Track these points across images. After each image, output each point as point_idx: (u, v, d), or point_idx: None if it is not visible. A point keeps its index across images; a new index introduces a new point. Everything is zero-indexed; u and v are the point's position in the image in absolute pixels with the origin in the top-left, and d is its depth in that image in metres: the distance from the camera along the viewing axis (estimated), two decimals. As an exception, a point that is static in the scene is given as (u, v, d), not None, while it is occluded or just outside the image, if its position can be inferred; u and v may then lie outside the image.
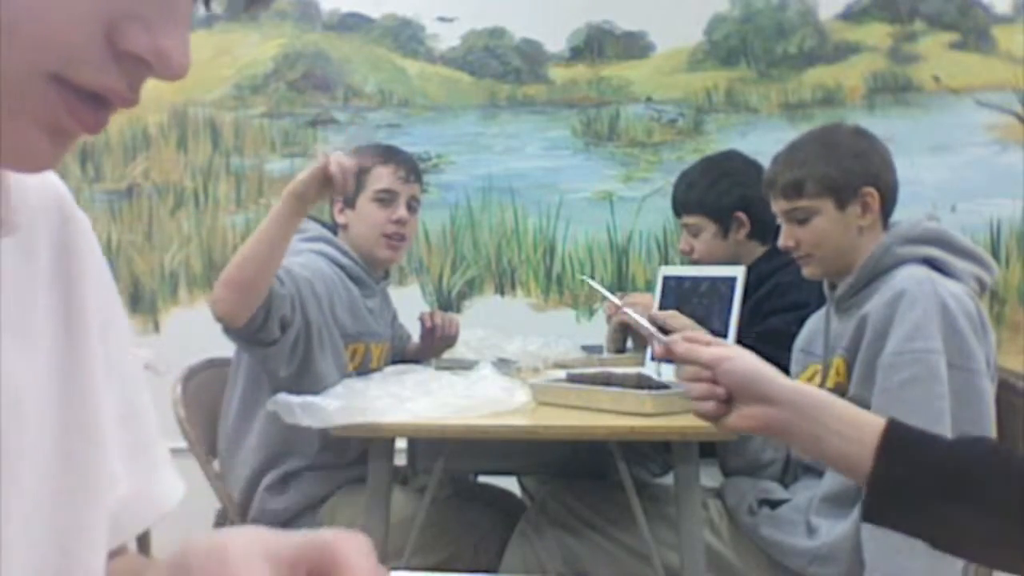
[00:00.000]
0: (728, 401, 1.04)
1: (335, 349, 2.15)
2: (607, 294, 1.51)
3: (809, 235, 1.87)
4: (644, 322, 1.29)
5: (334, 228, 2.30)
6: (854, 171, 1.84)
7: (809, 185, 1.85)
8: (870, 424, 0.97)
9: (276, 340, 1.96)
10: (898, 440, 0.95)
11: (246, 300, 1.88)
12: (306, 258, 2.14)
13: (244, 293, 1.88)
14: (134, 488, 0.63)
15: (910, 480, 0.93)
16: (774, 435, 1.04)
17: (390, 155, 2.28)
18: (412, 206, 2.29)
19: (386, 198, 2.23)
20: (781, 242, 1.93)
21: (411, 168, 2.29)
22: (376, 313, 2.33)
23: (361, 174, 2.15)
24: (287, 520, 2.12)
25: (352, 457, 2.14)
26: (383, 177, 2.24)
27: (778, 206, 1.91)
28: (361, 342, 2.25)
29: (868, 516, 0.97)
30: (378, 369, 2.23)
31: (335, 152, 1.95)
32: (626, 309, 1.39)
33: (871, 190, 1.84)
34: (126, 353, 0.64)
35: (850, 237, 1.85)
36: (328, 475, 2.16)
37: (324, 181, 1.90)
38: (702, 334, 1.11)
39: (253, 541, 0.43)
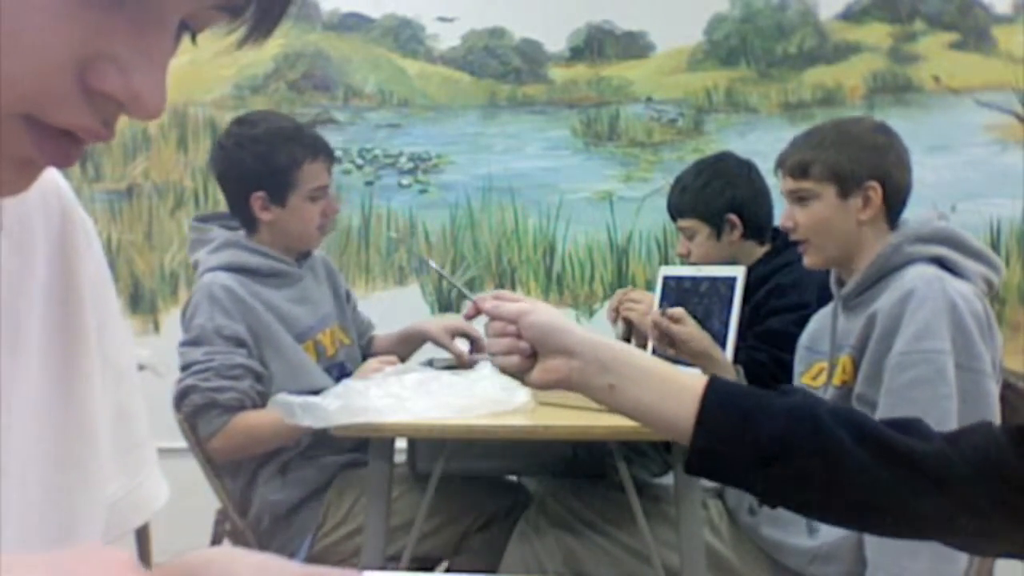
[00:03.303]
0: (533, 357, 1.05)
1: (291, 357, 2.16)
2: (447, 275, 1.47)
3: (807, 218, 1.87)
4: (457, 282, 1.31)
5: (252, 221, 2.21)
6: (862, 163, 1.85)
7: (815, 168, 1.86)
8: (686, 386, 0.98)
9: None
10: (719, 406, 0.96)
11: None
12: (220, 290, 2.10)
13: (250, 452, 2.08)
14: (123, 488, 0.63)
15: (730, 446, 0.95)
16: (574, 389, 1.03)
17: (315, 148, 2.19)
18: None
19: (320, 194, 2.20)
20: (780, 221, 1.96)
21: (329, 152, 2.24)
22: (308, 300, 2.26)
23: (286, 172, 2.14)
24: (289, 511, 2.13)
25: (348, 444, 2.14)
26: (317, 175, 2.18)
27: (784, 185, 1.93)
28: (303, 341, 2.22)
29: (689, 471, 0.98)
30: (338, 356, 2.25)
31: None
32: (434, 266, 1.38)
33: (875, 184, 1.84)
34: (121, 352, 0.64)
35: (848, 228, 1.85)
36: (324, 463, 2.16)
37: None
38: (510, 292, 1.12)
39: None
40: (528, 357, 1.04)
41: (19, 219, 0.55)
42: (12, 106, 0.40)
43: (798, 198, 1.89)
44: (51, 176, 0.59)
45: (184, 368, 2.05)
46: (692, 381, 0.98)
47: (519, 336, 1.04)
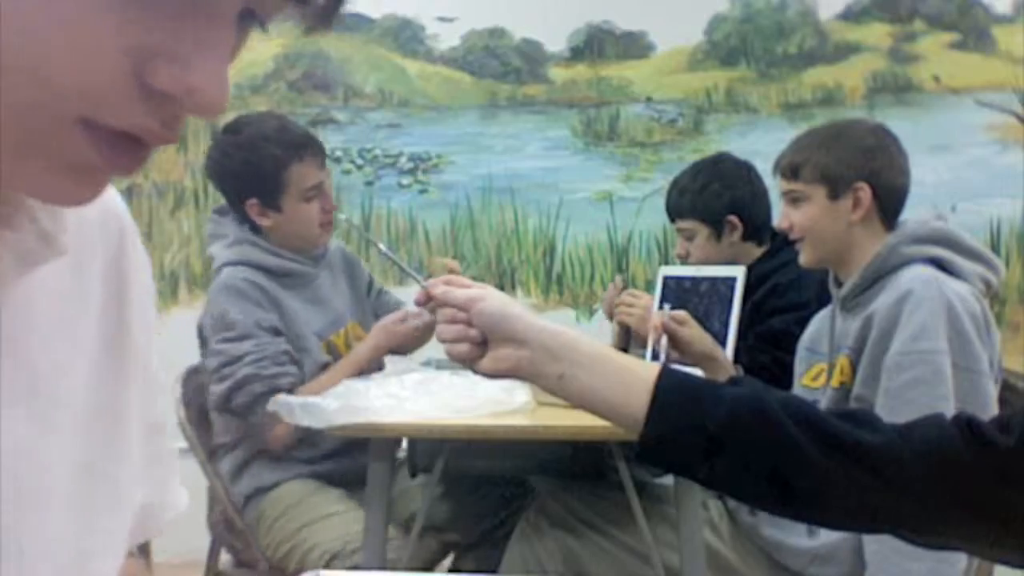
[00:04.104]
0: (484, 344, 1.03)
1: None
2: (395, 258, 1.43)
3: (800, 218, 1.90)
4: (404, 264, 1.29)
5: (256, 227, 2.19)
6: (852, 165, 1.86)
7: (805, 170, 1.88)
8: (638, 374, 0.97)
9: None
10: (670, 395, 0.95)
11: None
12: (245, 284, 2.09)
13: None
14: (148, 497, 0.63)
15: (679, 434, 0.94)
16: (524, 377, 1.02)
17: (300, 147, 2.14)
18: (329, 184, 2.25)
19: (315, 194, 2.16)
20: (776, 221, 1.97)
21: (318, 148, 2.19)
22: (320, 301, 2.25)
23: (273, 176, 2.11)
24: (242, 506, 2.14)
25: (324, 451, 2.14)
26: (307, 175, 2.14)
27: (779, 186, 1.95)
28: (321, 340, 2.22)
29: (640, 459, 0.98)
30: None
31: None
32: (385, 250, 1.36)
33: (863, 185, 1.85)
34: (159, 368, 0.64)
35: (839, 229, 1.87)
36: (281, 464, 2.14)
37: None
38: (461, 278, 1.11)
39: None
40: (478, 345, 1.03)
41: (80, 240, 0.54)
42: (67, 108, 0.39)
43: (792, 199, 1.91)
44: (112, 195, 0.59)
45: (230, 363, 2.04)
46: (644, 369, 0.98)
47: (470, 324, 1.03)
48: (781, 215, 1.95)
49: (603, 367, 0.98)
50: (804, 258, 1.93)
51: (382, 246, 1.38)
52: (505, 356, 1.01)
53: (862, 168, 1.86)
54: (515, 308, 1.04)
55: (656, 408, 0.94)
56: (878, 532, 0.99)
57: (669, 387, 0.95)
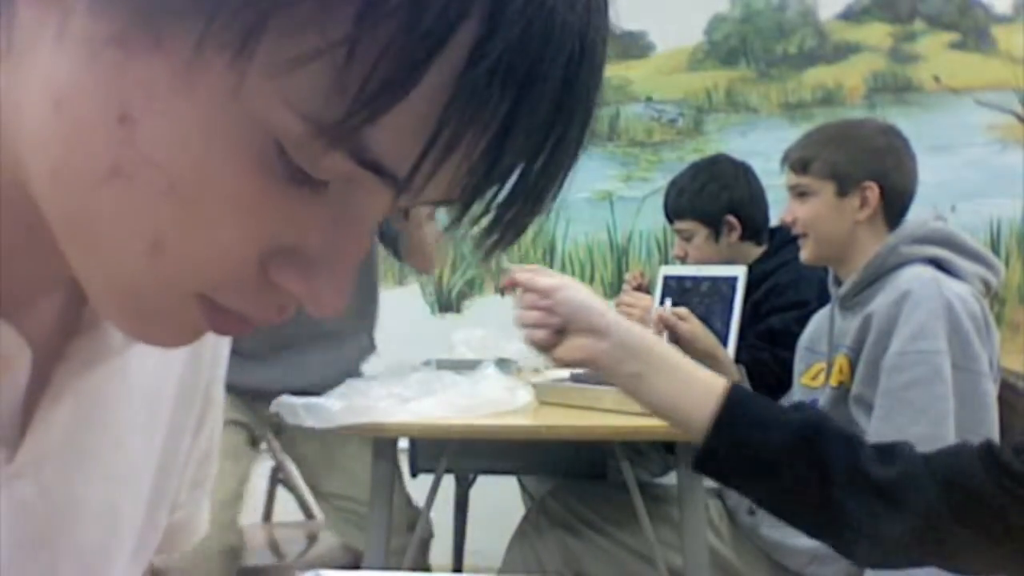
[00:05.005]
0: (561, 333, 1.05)
1: None
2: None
3: (805, 213, 1.90)
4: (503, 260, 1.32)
5: None
6: (862, 163, 1.86)
7: (815, 165, 1.88)
8: (708, 385, 0.99)
9: None
10: (736, 412, 0.97)
11: None
12: None
13: None
14: (186, 516, 0.65)
15: (738, 451, 0.97)
16: (598, 369, 1.04)
17: None
18: None
19: None
20: (782, 215, 1.97)
21: None
22: None
23: None
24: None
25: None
26: None
27: (787, 179, 1.95)
28: None
29: (696, 469, 1.01)
30: None
31: None
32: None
33: (872, 185, 1.85)
34: (222, 395, 0.65)
35: (844, 226, 1.87)
36: None
37: None
38: (545, 268, 1.13)
39: None
40: (556, 333, 1.04)
41: None
42: (189, 287, 0.38)
43: (798, 193, 1.91)
44: None
45: None
46: (713, 381, 1.00)
47: (550, 311, 1.04)
48: (786, 209, 1.95)
49: (676, 373, 1.01)
50: (805, 254, 1.93)
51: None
52: (582, 346, 1.03)
53: (872, 167, 1.86)
54: (597, 301, 1.06)
55: (720, 423, 0.96)
56: (920, 565, 1.00)
57: (735, 404, 0.97)
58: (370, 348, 2.36)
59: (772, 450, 0.95)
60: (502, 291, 1.17)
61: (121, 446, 0.52)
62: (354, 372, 2.22)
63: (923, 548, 0.95)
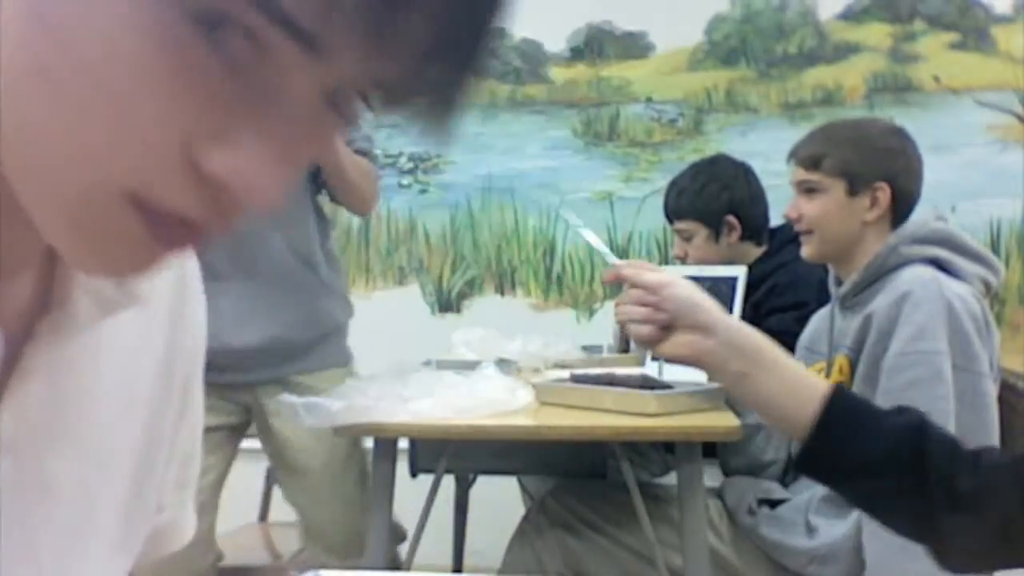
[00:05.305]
0: (667, 329, 1.05)
1: None
2: (598, 245, 1.40)
3: (813, 210, 1.89)
4: (602, 246, 1.30)
5: None
6: (874, 163, 1.86)
7: (827, 162, 1.87)
8: (811, 386, 0.99)
9: None
10: (839, 413, 0.98)
11: None
12: None
13: None
14: (170, 519, 0.65)
15: (841, 453, 0.97)
16: (704, 367, 1.04)
17: None
18: None
19: None
20: (785, 211, 1.95)
21: None
22: None
23: None
24: None
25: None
26: None
27: (794, 175, 1.94)
28: None
29: (798, 469, 1.00)
30: None
31: None
32: (584, 231, 1.36)
33: (883, 186, 1.85)
34: (201, 394, 0.66)
35: (852, 226, 1.86)
36: None
37: None
38: (648, 263, 1.13)
39: None
40: (661, 329, 1.05)
41: (151, 287, 0.54)
42: (116, 183, 0.37)
43: (807, 189, 1.90)
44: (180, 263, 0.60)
45: None
46: (817, 382, 1.00)
47: (656, 307, 1.05)
48: (791, 204, 1.94)
49: (783, 373, 1.00)
50: (808, 251, 1.92)
51: (572, 218, 1.38)
52: (688, 343, 1.03)
53: (884, 168, 1.86)
54: (705, 298, 1.06)
55: (822, 424, 0.96)
56: (1007, 567, 1.00)
57: (838, 407, 0.97)
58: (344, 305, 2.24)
59: (874, 454, 0.95)
60: (606, 282, 1.16)
61: (96, 425, 0.52)
62: (331, 329, 2.18)
63: (1008, 557, 0.95)
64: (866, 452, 0.95)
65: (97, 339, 0.51)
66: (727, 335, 1.01)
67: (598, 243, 1.29)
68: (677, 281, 1.06)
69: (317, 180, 2.09)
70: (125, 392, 0.55)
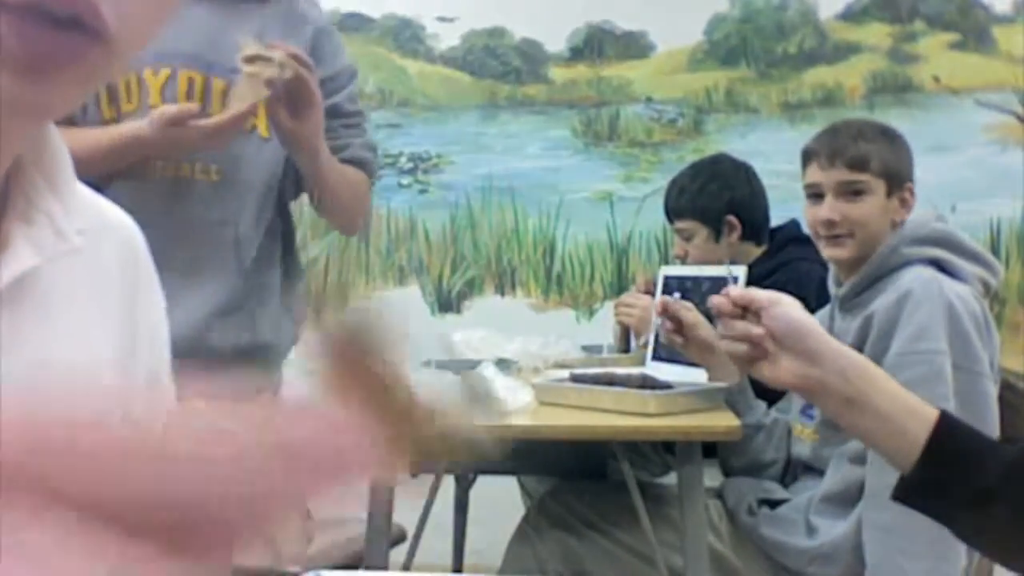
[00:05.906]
0: (759, 347, 1.02)
1: None
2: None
3: (859, 212, 1.83)
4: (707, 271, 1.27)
5: None
6: (907, 163, 1.86)
7: (875, 163, 1.83)
8: (918, 413, 0.96)
9: None
10: (948, 441, 0.95)
11: None
12: None
13: None
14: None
15: (949, 486, 0.94)
16: (808, 394, 1.02)
17: None
18: None
19: None
20: (824, 214, 1.85)
21: None
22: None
23: None
24: None
25: None
26: None
27: (832, 176, 1.85)
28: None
29: (897, 498, 0.97)
30: None
31: None
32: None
33: (911, 186, 1.85)
34: (167, 362, 0.67)
35: (884, 226, 1.84)
36: None
37: None
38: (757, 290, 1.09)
39: None
40: (756, 347, 1.02)
41: (95, 254, 0.57)
42: None
43: (854, 191, 1.84)
44: (128, 225, 0.63)
45: None
46: (924, 410, 0.97)
47: (758, 326, 1.02)
48: (827, 207, 1.84)
49: (890, 401, 0.97)
50: (844, 253, 1.85)
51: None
52: (793, 370, 1.00)
53: (910, 168, 1.86)
54: (814, 322, 1.02)
55: (930, 452, 0.93)
56: None
57: (946, 434, 0.95)
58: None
59: (983, 484, 0.92)
60: (715, 311, 1.11)
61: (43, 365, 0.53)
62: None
63: None
64: (974, 482, 0.92)
65: (45, 289, 0.53)
66: (836, 364, 0.98)
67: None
68: (786, 300, 1.03)
69: (299, 185, 1.78)
70: (77, 342, 0.56)
